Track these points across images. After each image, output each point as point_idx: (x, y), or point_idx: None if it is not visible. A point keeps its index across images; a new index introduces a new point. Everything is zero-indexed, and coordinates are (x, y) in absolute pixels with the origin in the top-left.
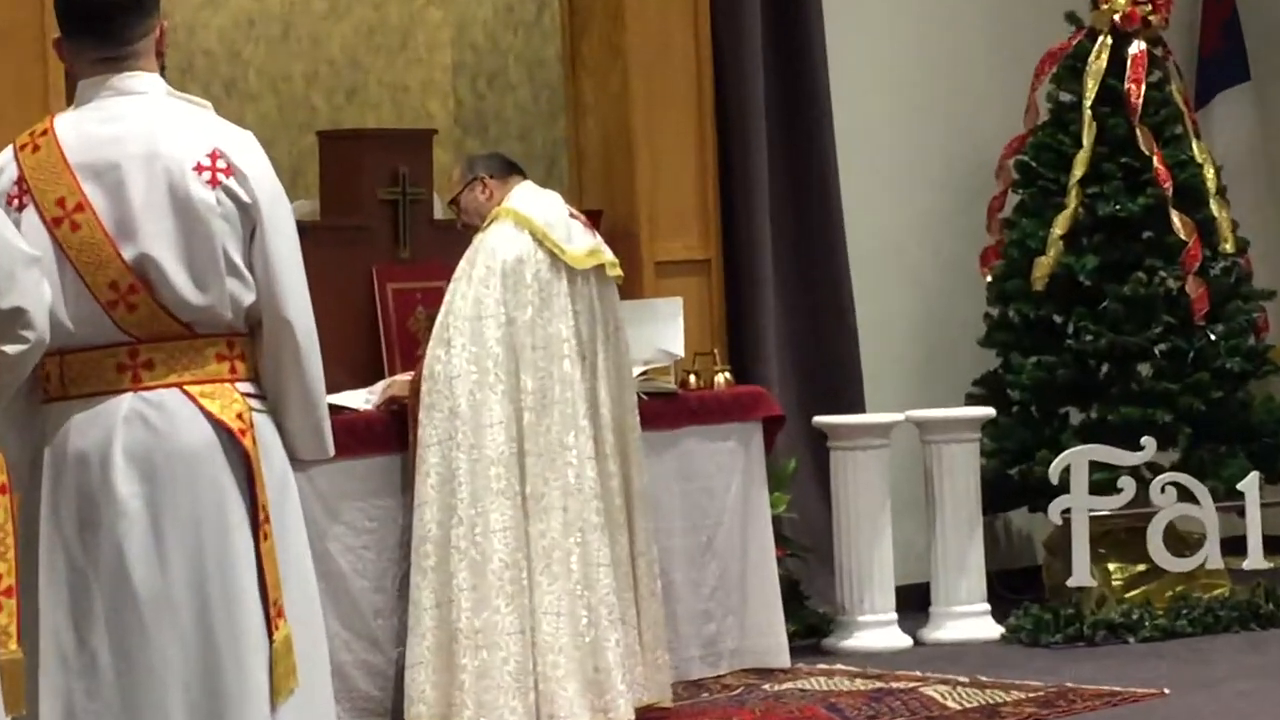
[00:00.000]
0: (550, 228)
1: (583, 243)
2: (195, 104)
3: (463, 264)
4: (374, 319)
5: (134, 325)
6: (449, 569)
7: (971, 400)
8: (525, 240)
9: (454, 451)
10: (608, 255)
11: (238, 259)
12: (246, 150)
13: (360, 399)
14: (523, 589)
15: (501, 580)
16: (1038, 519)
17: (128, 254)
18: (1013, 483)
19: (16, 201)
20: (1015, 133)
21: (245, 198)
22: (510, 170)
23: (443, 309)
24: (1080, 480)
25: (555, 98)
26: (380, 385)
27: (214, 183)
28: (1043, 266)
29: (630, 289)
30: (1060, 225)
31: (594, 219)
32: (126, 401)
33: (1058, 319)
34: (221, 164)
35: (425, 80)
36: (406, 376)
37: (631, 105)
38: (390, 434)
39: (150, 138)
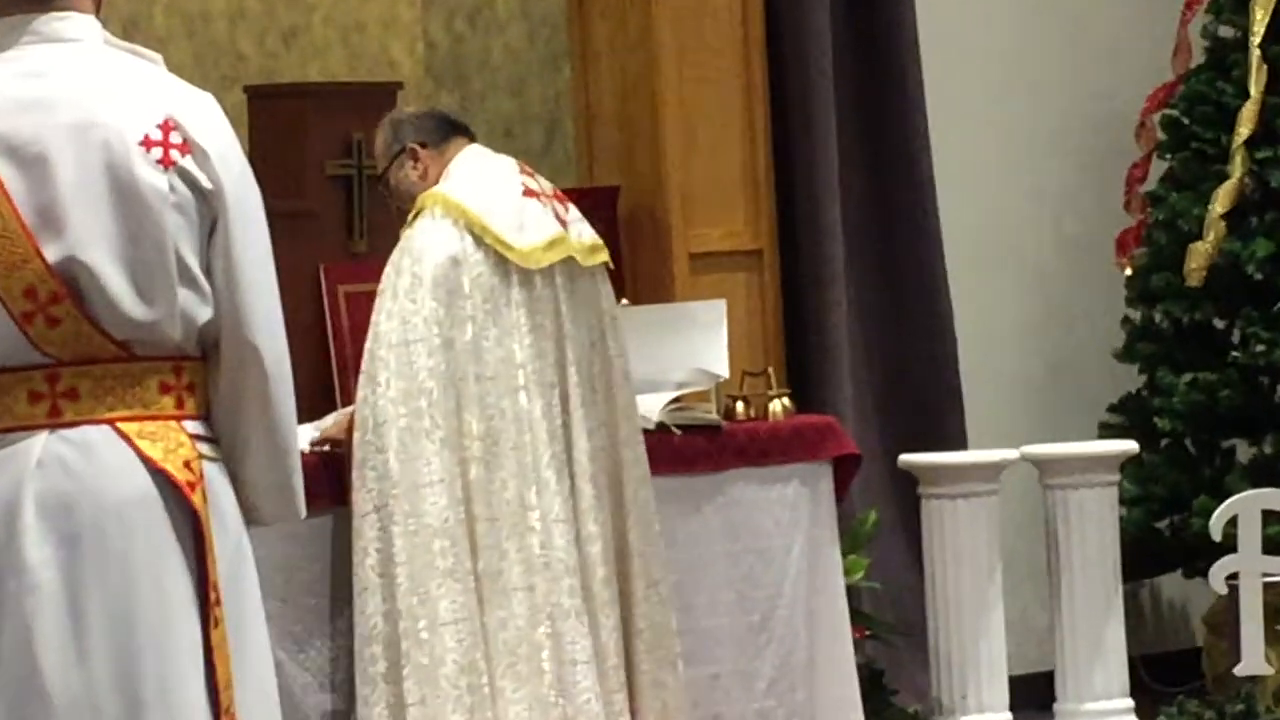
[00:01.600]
0: (490, 215)
1: (540, 231)
2: (142, 57)
3: (387, 271)
4: (322, 330)
5: (54, 344)
6: (399, 676)
7: (1107, 432)
8: (459, 235)
9: (389, 522)
10: (583, 240)
11: (193, 263)
12: (208, 120)
13: (306, 438)
14: (484, 698)
15: (458, 688)
16: (1195, 587)
17: (51, 254)
18: (1162, 540)
19: None
20: (1161, 80)
21: (205, 183)
22: (449, 133)
23: (369, 333)
24: (1251, 535)
25: (557, 40)
26: (331, 418)
27: (166, 162)
28: (1199, 255)
29: (657, 289)
30: (1222, 201)
31: (606, 198)
32: (41, 441)
33: (1219, 324)
34: (176, 138)
35: (386, 18)
36: (349, 411)
37: (657, 50)
38: (324, 483)
39: (84, 101)
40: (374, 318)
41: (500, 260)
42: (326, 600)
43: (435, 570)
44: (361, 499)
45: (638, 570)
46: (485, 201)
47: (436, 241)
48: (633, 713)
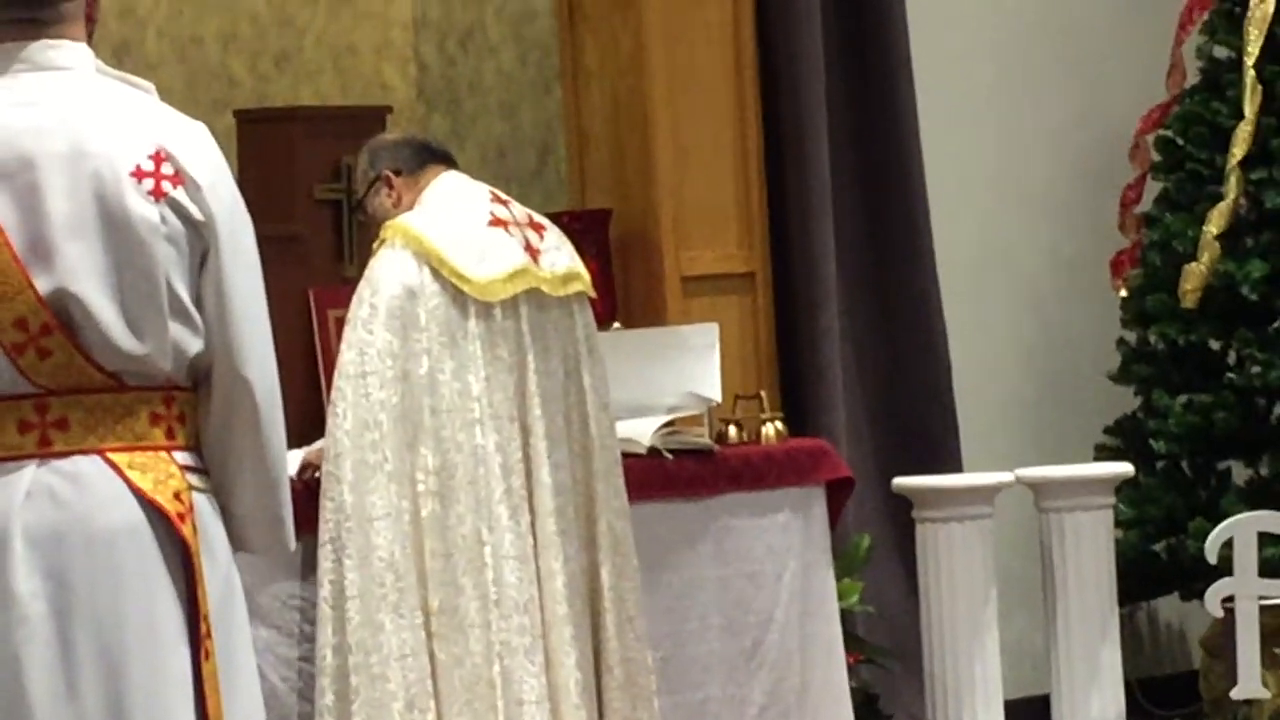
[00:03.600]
0: (448, 247)
1: (503, 262)
2: (134, 85)
3: (353, 300)
4: (311, 355)
5: (45, 374)
6: (348, 711)
7: (1103, 454)
8: (417, 267)
9: (341, 554)
10: (555, 270)
11: (184, 295)
12: (200, 151)
13: (294, 463)
14: None
15: None
16: (1192, 609)
17: (43, 285)
18: (1158, 562)
19: None
20: (1155, 100)
21: (197, 214)
22: (425, 160)
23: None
24: (1247, 558)
25: (548, 62)
26: (319, 443)
27: (157, 194)
28: (1194, 276)
29: (650, 312)
30: (1216, 222)
31: (598, 221)
32: (30, 471)
33: (1215, 345)
34: (168, 169)
35: (379, 41)
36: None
37: (648, 71)
38: (310, 509)
39: (76, 131)
40: (340, 347)
41: (458, 292)
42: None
43: (386, 604)
44: (321, 529)
45: (609, 606)
46: (445, 232)
47: (394, 272)
48: None
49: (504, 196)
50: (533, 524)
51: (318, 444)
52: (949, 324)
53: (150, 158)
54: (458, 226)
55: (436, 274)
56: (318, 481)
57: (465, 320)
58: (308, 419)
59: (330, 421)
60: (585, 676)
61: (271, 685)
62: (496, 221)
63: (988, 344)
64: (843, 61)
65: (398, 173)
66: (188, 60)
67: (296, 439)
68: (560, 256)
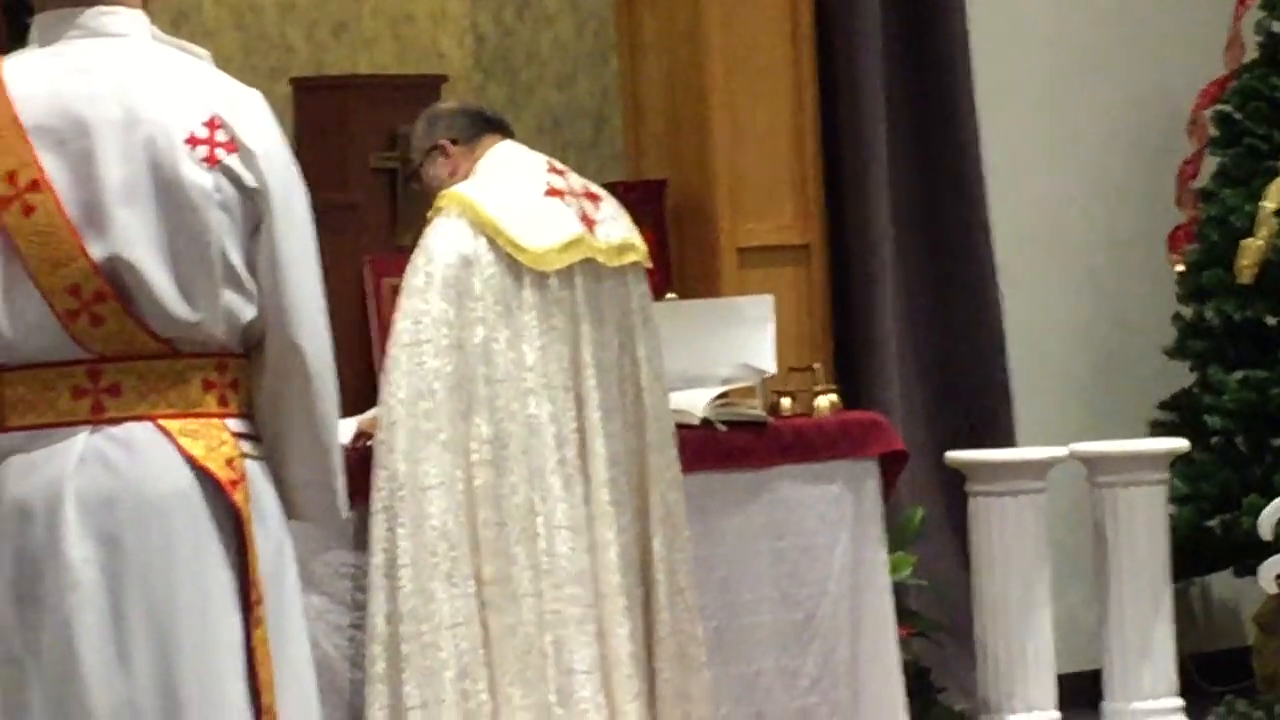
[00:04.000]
0: (503, 216)
1: (558, 232)
2: (189, 52)
3: (407, 269)
4: (364, 325)
5: (98, 341)
6: (399, 679)
7: (1157, 430)
8: (472, 236)
9: (395, 523)
10: (610, 240)
11: (238, 262)
12: (255, 118)
13: (349, 431)
14: (482, 704)
15: (459, 692)
16: (1246, 585)
17: (97, 252)
18: (1212, 538)
19: None
20: (1213, 75)
21: (251, 182)
22: (482, 129)
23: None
24: None
25: (605, 32)
26: (372, 412)
27: (211, 161)
28: (1251, 252)
29: (705, 283)
30: (1273, 197)
31: (653, 191)
32: (83, 437)
33: (1271, 321)
34: (222, 136)
35: (435, 10)
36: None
37: (706, 43)
38: (364, 477)
39: (130, 97)
40: (394, 315)
41: (513, 262)
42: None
43: (437, 572)
44: (373, 498)
45: (661, 577)
46: (501, 202)
47: (449, 241)
48: None
49: (560, 166)
50: (586, 494)
51: (371, 412)
52: (1004, 298)
53: (205, 125)
54: (513, 196)
55: (492, 243)
56: (370, 450)
57: (520, 290)
58: (361, 387)
59: (384, 390)
60: (637, 647)
61: (323, 652)
62: (553, 191)
63: (1043, 319)
64: (900, 33)
65: (454, 141)
66: (245, 27)
67: (350, 407)
68: (616, 227)
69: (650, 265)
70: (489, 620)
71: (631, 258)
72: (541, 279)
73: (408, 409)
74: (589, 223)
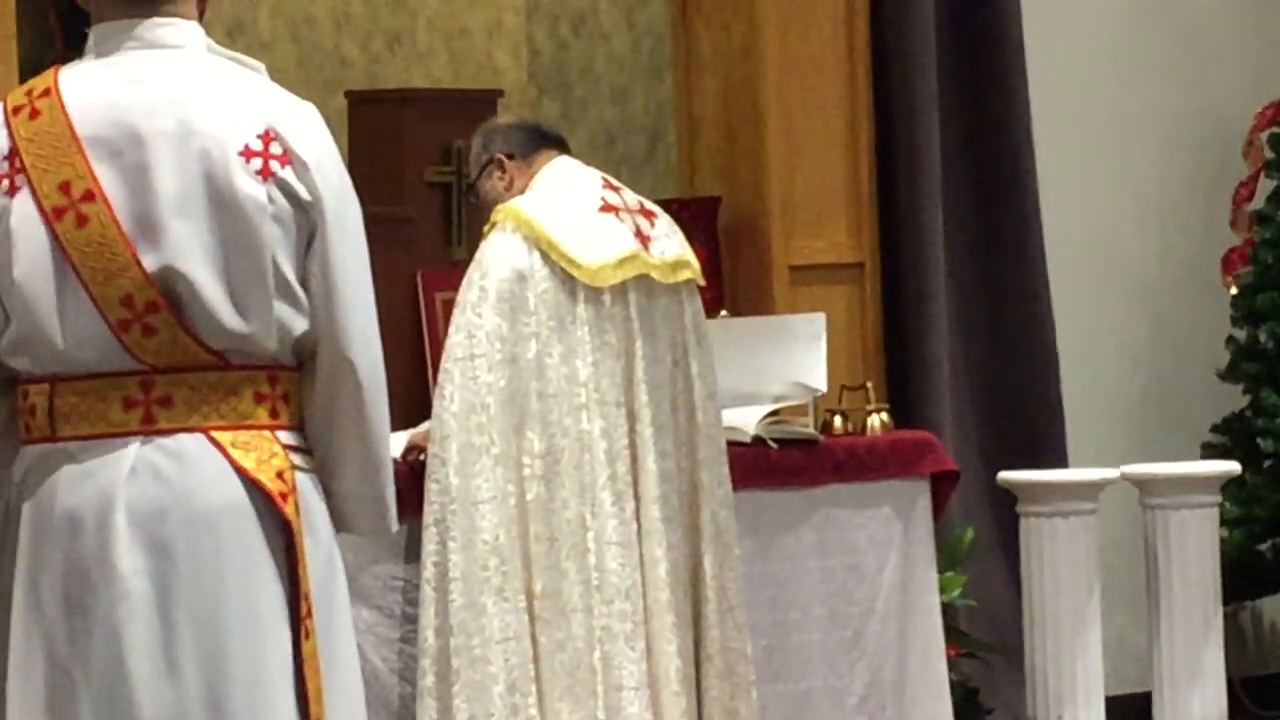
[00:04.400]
0: (559, 231)
1: (613, 247)
2: (244, 65)
3: (462, 283)
4: (418, 338)
5: (149, 352)
6: (449, 693)
7: (1209, 452)
8: (527, 251)
9: (446, 537)
10: (664, 257)
11: (290, 275)
12: (309, 131)
13: (400, 444)
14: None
15: (514, 711)
16: None
17: (150, 263)
18: (1263, 561)
19: (7, 183)
20: (1269, 98)
21: (304, 194)
22: (539, 145)
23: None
24: None
25: (661, 49)
26: (425, 425)
27: (265, 173)
28: None
29: (757, 301)
30: None
31: (707, 208)
32: (134, 448)
33: None
34: (276, 148)
35: (491, 25)
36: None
37: (761, 60)
38: (414, 491)
39: (185, 109)
40: (448, 329)
41: (567, 277)
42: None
43: (489, 587)
44: (426, 511)
45: (711, 595)
46: (556, 217)
47: (504, 256)
48: None
49: (616, 183)
50: (637, 510)
51: (423, 426)
52: (1057, 318)
53: (259, 137)
54: (569, 211)
55: (546, 258)
56: (422, 464)
57: (574, 305)
58: (413, 401)
59: (437, 404)
60: (685, 664)
61: (372, 666)
62: (607, 207)
63: (1096, 340)
64: (955, 52)
65: (510, 156)
66: (301, 40)
67: (402, 421)
68: (670, 244)
69: (703, 283)
70: (538, 635)
71: (685, 275)
72: (596, 294)
73: (460, 423)
74: (643, 239)
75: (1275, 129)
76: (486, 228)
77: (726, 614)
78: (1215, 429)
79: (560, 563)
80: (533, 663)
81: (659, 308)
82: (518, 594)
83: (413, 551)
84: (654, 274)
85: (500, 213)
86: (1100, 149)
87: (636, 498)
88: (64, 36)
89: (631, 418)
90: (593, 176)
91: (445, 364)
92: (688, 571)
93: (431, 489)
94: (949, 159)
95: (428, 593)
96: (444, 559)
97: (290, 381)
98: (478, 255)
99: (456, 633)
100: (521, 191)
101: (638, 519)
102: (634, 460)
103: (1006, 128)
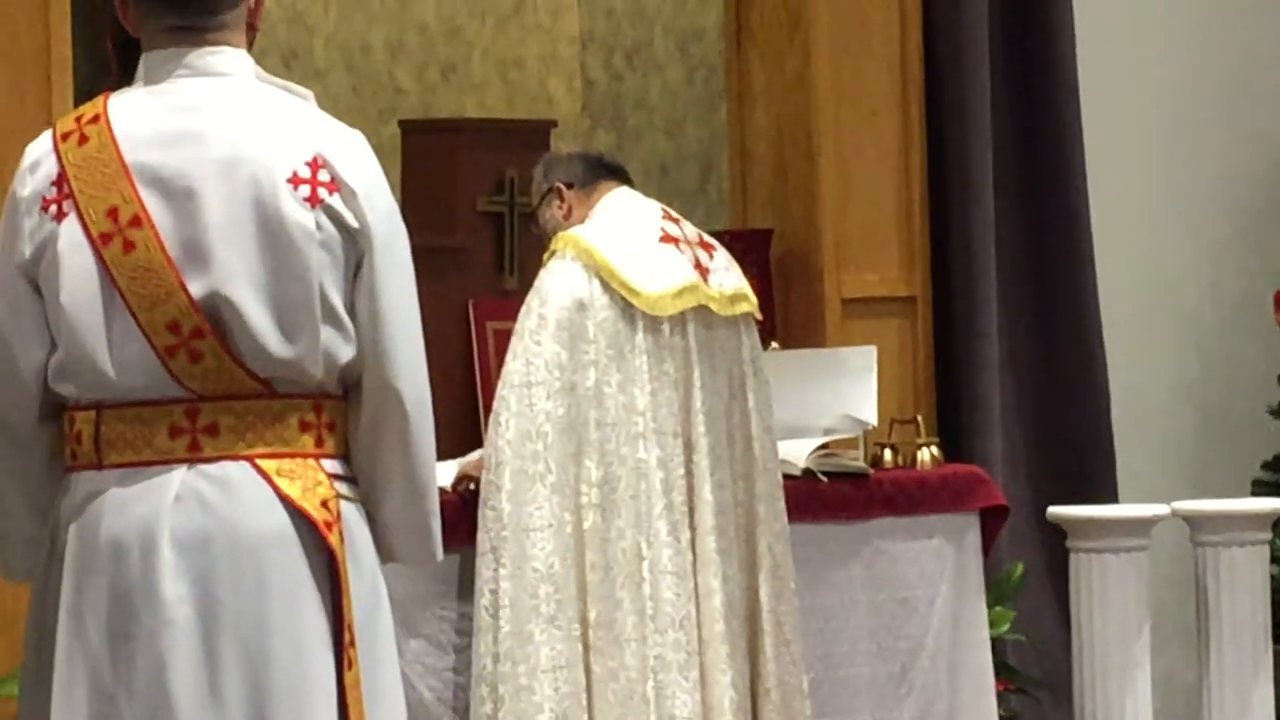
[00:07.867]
0: (619, 260)
1: (672, 278)
2: (292, 92)
3: (521, 310)
4: (469, 367)
5: (196, 379)
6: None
7: (1260, 489)
8: (587, 279)
9: (499, 564)
10: (723, 289)
11: (337, 302)
12: (357, 158)
13: (449, 474)
14: None
15: None
16: None
17: (196, 289)
18: None
19: (55, 208)
20: None
21: (353, 222)
22: (599, 175)
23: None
24: None
25: (715, 81)
26: (475, 455)
27: (314, 200)
28: None
29: (809, 334)
30: None
31: (759, 240)
32: (179, 476)
33: None
34: (324, 176)
35: (545, 54)
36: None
37: (814, 92)
38: (463, 521)
39: (234, 137)
40: (506, 356)
41: (627, 306)
42: (469, 639)
43: (538, 615)
44: (480, 538)
45: (767, 628)
46: (617, 246)
47: (564, 284)
48: None
49: (675, 215)
50: (693, 541)
51: (474, 455)
52: (1109, 354)
53: (307, 164)
54: (629, 240)
55: (606, 286)
56: (473, 493)
57: (633, 334)
58: (463, 431)
59: (492, 430)
60: (740, 696)
61: (419, 696)
62: (667, 238)
63: (1148, 376)
64: (1009, 86)
65: (570, 185)
66: (355, 69)
67: (451, 450)
68: (729, 277)
69: (760, 317)
70: (592, 664)
71: (744, 308)
72: (655, 324)
73: (515, 450)
74: (703, 271)
75: None
76: (546, 255)
77: (783, 648)
78: (1266, 466)
79: (615, 592)
80: (585, 692)
81: (717, 340)
82: (571, 622)
83: (463, 581)
84: (713, 306)
85: (560, 240)
86: (1153, 184)
87: (692, 528)
88: (120, 65)
89: (688, 448)
90: (653, 208)
91: (501, 391)
92: (744, 604)
93: (487, 515)
94: (1002, 194)
95: (485, 619)
96: (497, 586)
97: (336, 410)
98: (537, 283)
99: (503, 660)
100: (581, 221)
101: (693, 549)
102: (690, 490)
103: (1060, 164)
